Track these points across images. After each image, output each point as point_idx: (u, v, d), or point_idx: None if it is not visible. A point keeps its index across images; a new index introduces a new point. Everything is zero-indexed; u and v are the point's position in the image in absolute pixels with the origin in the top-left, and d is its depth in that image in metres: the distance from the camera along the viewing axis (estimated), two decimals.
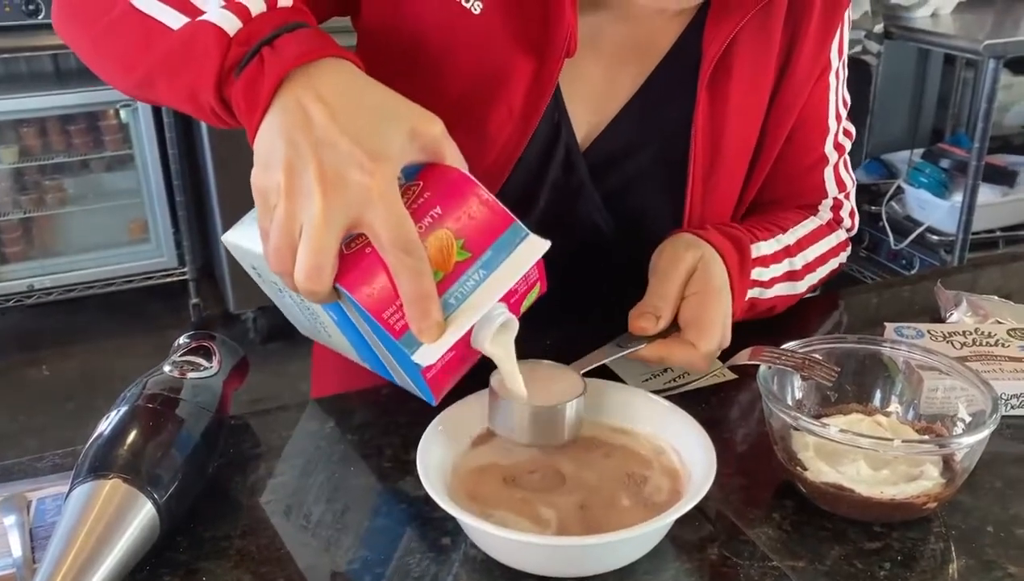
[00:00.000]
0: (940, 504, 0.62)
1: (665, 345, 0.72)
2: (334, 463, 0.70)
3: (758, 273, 0.82)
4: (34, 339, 2.96)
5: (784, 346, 0.69)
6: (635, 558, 0.58)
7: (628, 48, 0.79)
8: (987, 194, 2.99)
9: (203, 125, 2.71)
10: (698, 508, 0.60)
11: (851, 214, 0.94)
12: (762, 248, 0.83)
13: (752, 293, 0.81)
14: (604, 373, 0.79)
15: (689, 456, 0.62)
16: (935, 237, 3.04)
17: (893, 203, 3.28)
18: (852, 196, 0.94)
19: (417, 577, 0.59)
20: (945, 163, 3.27)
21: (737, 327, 0.76)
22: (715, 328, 0.72)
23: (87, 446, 0.61)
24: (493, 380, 0.63)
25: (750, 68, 0.80)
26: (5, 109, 2.73)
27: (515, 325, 0.61)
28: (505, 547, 0.57)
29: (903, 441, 0.61)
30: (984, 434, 0.59)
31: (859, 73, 2.74)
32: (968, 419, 0.65)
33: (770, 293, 0.84)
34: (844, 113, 0.90)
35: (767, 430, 0.66)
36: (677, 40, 0.80)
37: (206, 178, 2.90)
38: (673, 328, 0.73)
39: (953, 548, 0.61)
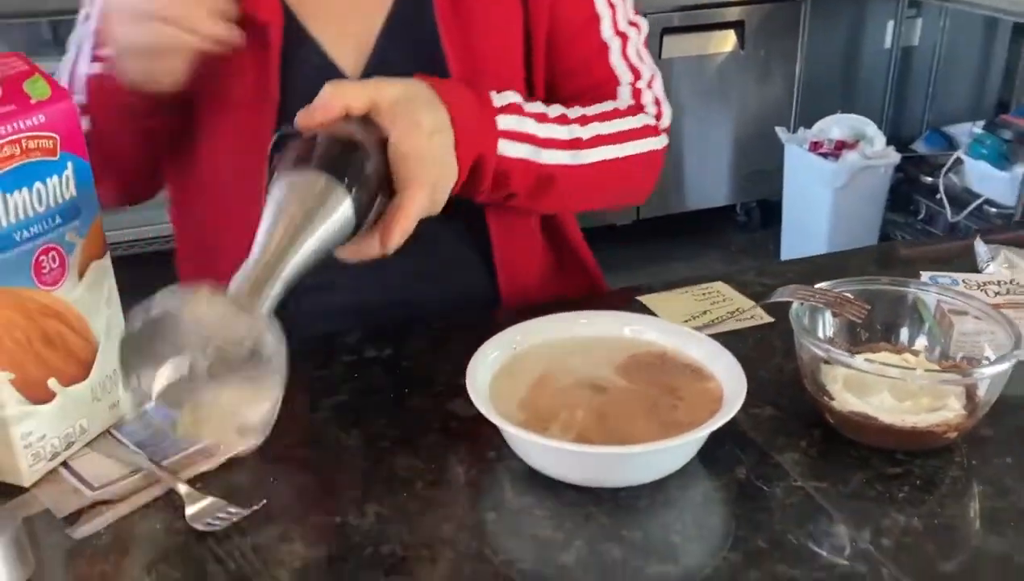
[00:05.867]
0: (960, 434, 0.65)
1: None
2: (391, 386, 0.75)
3: (521, 123, 0.79)
4: None
5: (817, 285, 0.72)
6: (667, 472, 0.62)
7: None
8: None
9: None
10: (730, 434, 0.64)
11: (656, 102, 0.92)
12: (509, 97, 0.80)
13: (521, 151, 0.79)
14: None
15: (723, 382, 0.66)
16: (993, 209, 3.00)
17: (951, 175, 3.23)
18: (655, 86, 0.93)
19: (465, 484, 0.64)
20: (1007, 134, 3.21)
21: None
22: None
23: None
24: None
25: None
26: None
27: None
28: (543, 455, 0.61)
29: (926, 370, 0.64)
30: (1005, 366, 0.62)
31: None
32: (993, 358, 0.68)
33: (547, 155, 0.81)
34: (621, 3, 0.91)
35: (799, 365, 0.69)
36: None
37: None
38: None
39: (972, 476, 0.64)
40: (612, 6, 0.91)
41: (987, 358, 0.69)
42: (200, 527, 0.59)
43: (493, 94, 0.79)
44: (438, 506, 0.62)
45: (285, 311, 0.59)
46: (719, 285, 0.91)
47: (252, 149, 0.74)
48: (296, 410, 0.72)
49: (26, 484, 0.63)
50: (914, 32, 3.83)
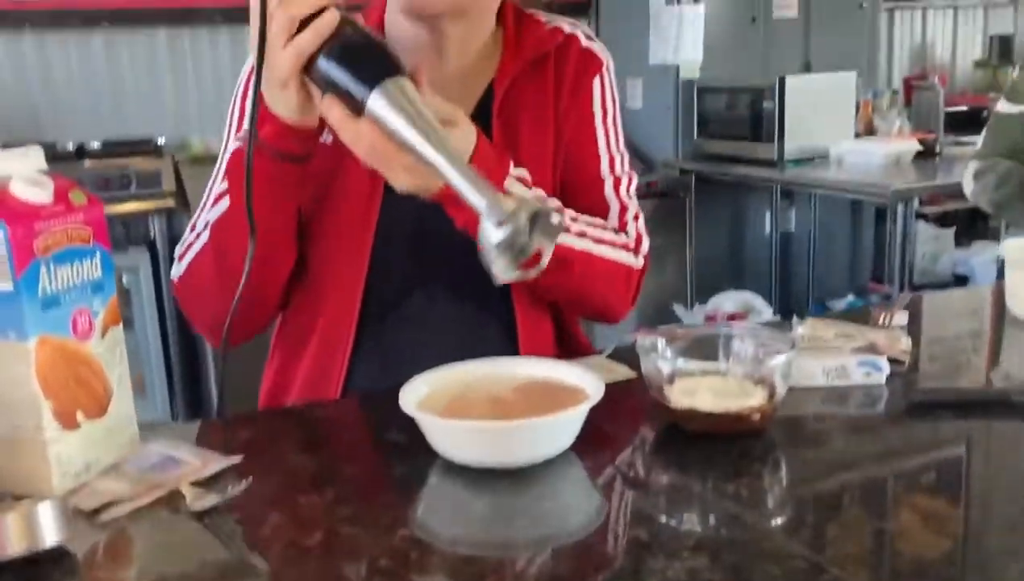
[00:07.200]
0: (764, 418, 0.88)
1: None
2: (339, 428, 0.96)
3: (524, 191, 1.00)
4: None
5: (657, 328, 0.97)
6: (549, 452, 0.83)
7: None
8: None
9: None
10: (598, 434, 0.86)
11: (637, 232, 1.18)
12: (523, 174, 1.03)
13: None
14: None
15: (590, 392, 0.88)
16: None
17: None
18: (640, 222, 1.19)
19: (399, 475, 0.84)
20: (874, 299, 3.62)
21: None
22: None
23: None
24: None
25: (531, 107, 1.14)
26: None
27: None
28: (453, 438, 0.82)
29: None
30: (785, 357, 0.87)
31: None
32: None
33: None
34: (619, 152, 1.20)
35: (647, 384, 0.93)
36: (479, 100, 1.15)
37: (200, 340, 3.19)
38: None
39: (774, 450, 0.87)
40: (611, 153, 1.20)
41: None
42: (198, 508, 0.77)
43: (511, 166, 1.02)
44: (380, 489, 0.81)
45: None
46: (602, 358, 1.15)
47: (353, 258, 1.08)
48: (267, 444, 0.92)
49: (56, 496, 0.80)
50: (790, 219, 4.31)
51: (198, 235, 1.10)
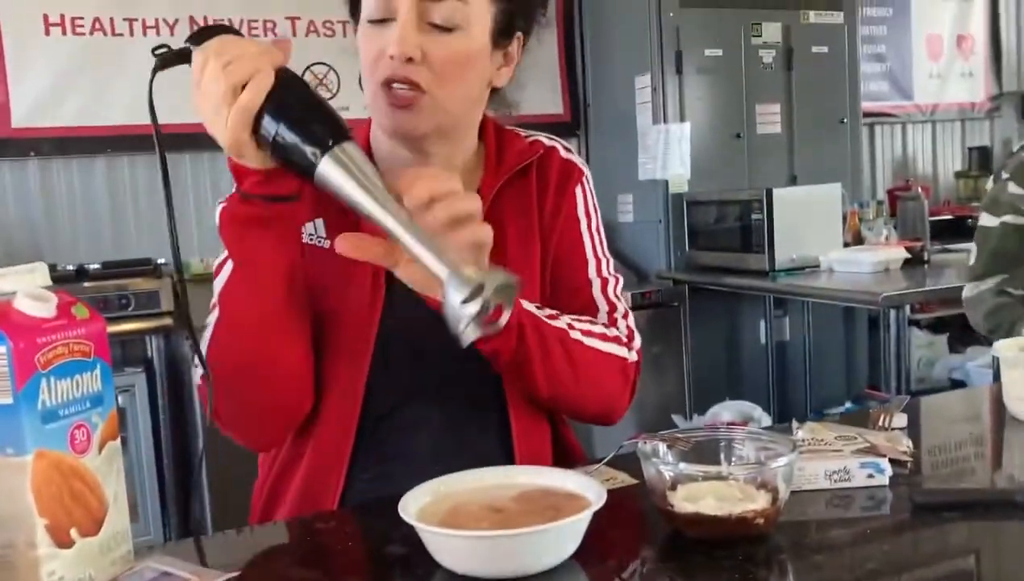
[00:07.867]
0: (767, 522, 0.87)
1: None
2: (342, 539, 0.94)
3: (526, 304, 1.07)
4: None
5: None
6: (551, 561, 0.82)
7: None
8: None
9: (197, 412, 3.02)
10: (601, 542, 0.85)
11: (628, 328, 1.21)
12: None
13: (531, 307, 1.07)
14: None
15: (591, 499, 0.87)
16: None
17: None
18: (629, 319, 1.22)
19: None
20: (872, 405, 3.61)
21: None
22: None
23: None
24: None
25: (516, 215, 1.18)
26: None
27: None
28: (453, 548, 0.81)
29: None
30: (787, 459, 0.87)
31: None
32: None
33: (547, 319, 1.09)
34: (604, 256, 1.24)
35: (649, 490, 0.92)
36: None
37: (196, 463, 3.15)
38: None
39: (780, 555, 0.86)
40: (597, 256, 1.24)
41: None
42: None
43: None
44: None
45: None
46: (601, 465, 1.14)
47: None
48: (265, 558, 0.90)
49: None
50: (784, 328, 4.33)
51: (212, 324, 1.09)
